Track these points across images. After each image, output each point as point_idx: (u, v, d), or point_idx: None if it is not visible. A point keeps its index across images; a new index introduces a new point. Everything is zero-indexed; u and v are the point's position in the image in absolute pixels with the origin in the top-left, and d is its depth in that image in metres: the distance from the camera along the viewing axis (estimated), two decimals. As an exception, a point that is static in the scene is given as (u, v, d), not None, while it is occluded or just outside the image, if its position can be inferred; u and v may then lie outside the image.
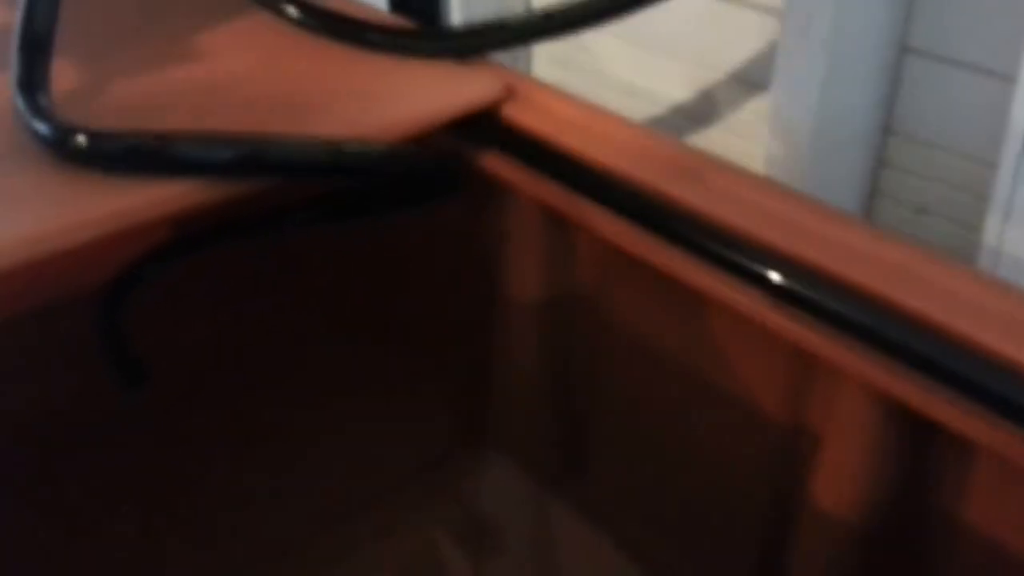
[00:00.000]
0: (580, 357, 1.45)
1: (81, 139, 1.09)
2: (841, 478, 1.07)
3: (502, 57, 1.44)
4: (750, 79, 1.54)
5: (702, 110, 1.64)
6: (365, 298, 1.64)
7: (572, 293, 1.40)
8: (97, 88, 1.28)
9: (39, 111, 1.14)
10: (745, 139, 1.57)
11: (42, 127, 1.12)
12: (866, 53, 1.30)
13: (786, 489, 1.19)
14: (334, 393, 1.60)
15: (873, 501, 1.05)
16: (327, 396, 1.60)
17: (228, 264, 1.55)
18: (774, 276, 1.03)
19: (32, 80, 1.17)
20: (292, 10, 1.48)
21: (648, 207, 1.14)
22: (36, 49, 1.19)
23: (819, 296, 1.00)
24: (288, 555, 1.41)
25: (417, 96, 1.30)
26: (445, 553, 1.48)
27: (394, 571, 1.40)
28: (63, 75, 1.25)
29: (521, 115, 1.28)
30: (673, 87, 1.68)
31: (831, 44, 1.26)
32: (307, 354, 1.63)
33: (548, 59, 1.92)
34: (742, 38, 1.51)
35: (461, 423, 1.61)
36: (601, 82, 1.81)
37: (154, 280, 1.30)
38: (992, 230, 1.21)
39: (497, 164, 1.31)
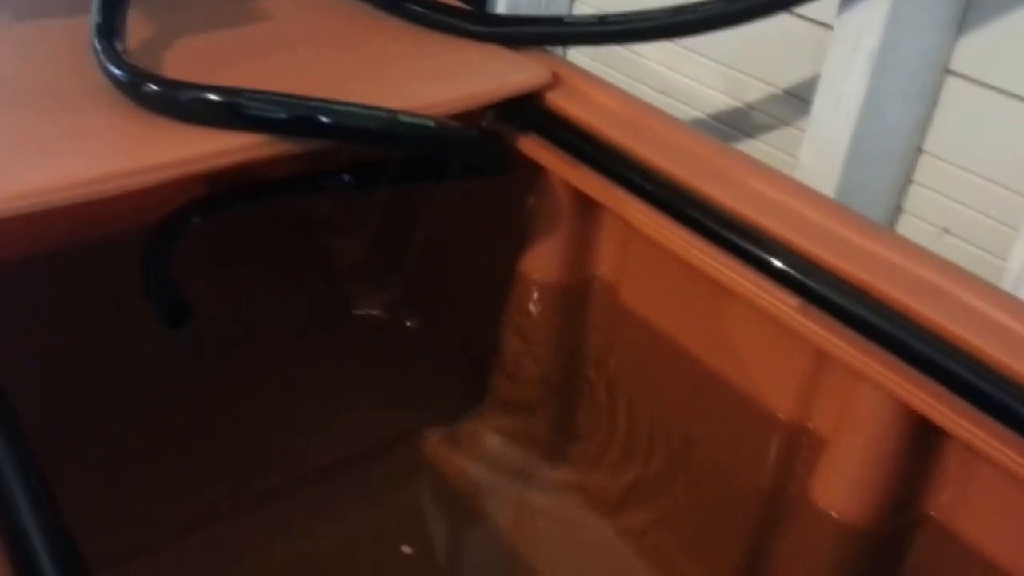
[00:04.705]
0: (593, 340, 1.46)
1: (153, 86, 1.12)
2: (844, 477, 1.09)
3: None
4: (788, 87, 1.54)
5: (735, 113, 1.65)
6: (395, 263, 1.66)
7: (592, 277, 1.42)
8: (168, 39, 1.30)
9: (115, 57, 1.16)
10: (776, 146, 1.59)
11: (117, 72, 1.15)
12: (911, 73, 1.30)
13: (786, 484, 1.21)
14: (354, 347, 1.64)
15: (873, 502, 1.08)
16: (347, 349, 1.64)
17: (272, 219, 1.57)
18: (799, 277, 1.06)
19: (110, 27, 1.20)
20: (351, -19, 1.49)
21: (680, 200, 1.18)
22: (114, -3, 1.22)
23: (843, 301, 1.03)
24: (289, 496, 1.46)
25: (467, 76, 1.32)
26: (428, 513, 1.51)
27: (377, 528, 1.45)
28: (137, 25, 1.28)
29: (565, 102, 1.31)
30: (708, 89, 1.68)
31: (878, 61, 1.27)
32: (334, 310, 1.66)
33: (586, 50, 1.90)
34: (784, 47, 1.51)
35: (466, 391, 1.62)
36: (637, 77, 1.81)
37: (201, 227, 1.31)
38: (1018, 256, 1.22)
39: (536, 147, 1.33)
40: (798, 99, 1.52)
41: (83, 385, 1.42)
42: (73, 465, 1.24)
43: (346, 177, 1.40)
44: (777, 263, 1.08)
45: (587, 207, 1.35)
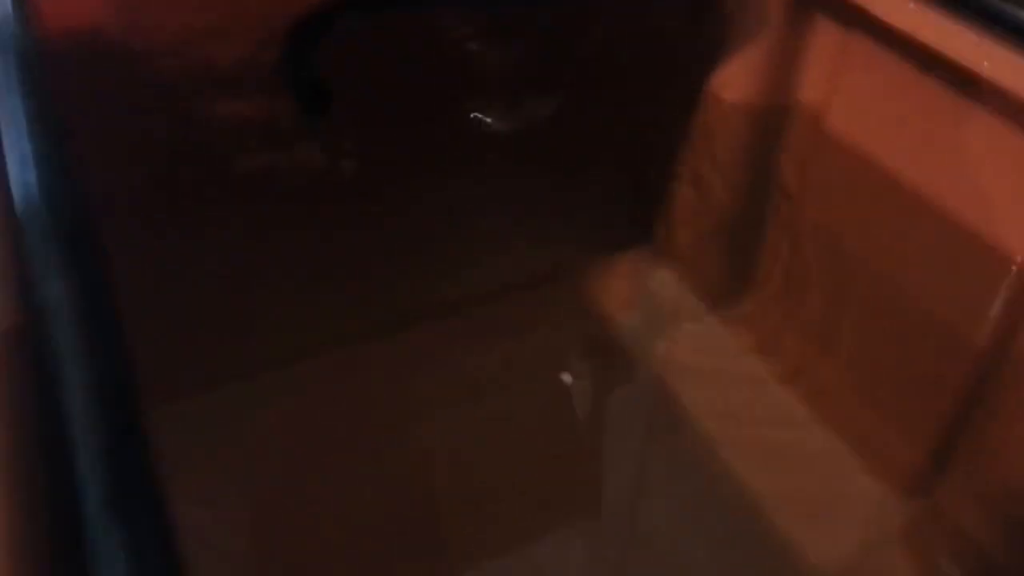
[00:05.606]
0: (787, 171, 1.32)
1: None
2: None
3: None
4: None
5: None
6: (561, 78, 1.54)
7: (794, 99, 1.26)
8: None
9: None
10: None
11: None
12: None
13: (1012, 341, 1.06)
14: (511, 163, 1.53)
15: None
16: (502, 171, 1.53)
17: (430, 23, 1.47)
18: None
19: None
20: None
21: None
22: None
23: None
24: (440, 321, 1.42)
25: None
26: (581, 348, 1.45)
27: (525, 359, 1.39)
28: None
29: None
30: None
31: None
32: (488, 129, 1.55)
33: None
34: None
35: (632, 225, 1.53)
36: None
37: (350, 32, 1.24)
38: None
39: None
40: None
41: (211, 190, 1.36)
42: (209, 271, 1.27)
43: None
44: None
45: (799, 14, 1.19)
